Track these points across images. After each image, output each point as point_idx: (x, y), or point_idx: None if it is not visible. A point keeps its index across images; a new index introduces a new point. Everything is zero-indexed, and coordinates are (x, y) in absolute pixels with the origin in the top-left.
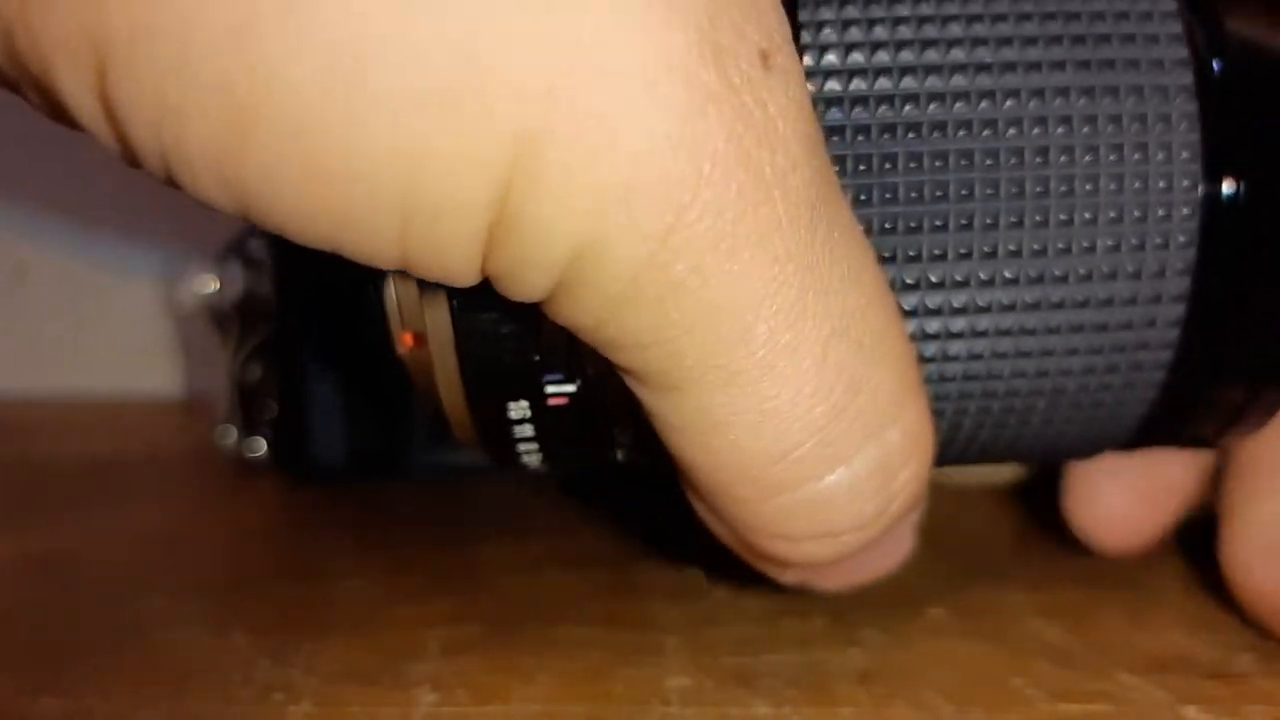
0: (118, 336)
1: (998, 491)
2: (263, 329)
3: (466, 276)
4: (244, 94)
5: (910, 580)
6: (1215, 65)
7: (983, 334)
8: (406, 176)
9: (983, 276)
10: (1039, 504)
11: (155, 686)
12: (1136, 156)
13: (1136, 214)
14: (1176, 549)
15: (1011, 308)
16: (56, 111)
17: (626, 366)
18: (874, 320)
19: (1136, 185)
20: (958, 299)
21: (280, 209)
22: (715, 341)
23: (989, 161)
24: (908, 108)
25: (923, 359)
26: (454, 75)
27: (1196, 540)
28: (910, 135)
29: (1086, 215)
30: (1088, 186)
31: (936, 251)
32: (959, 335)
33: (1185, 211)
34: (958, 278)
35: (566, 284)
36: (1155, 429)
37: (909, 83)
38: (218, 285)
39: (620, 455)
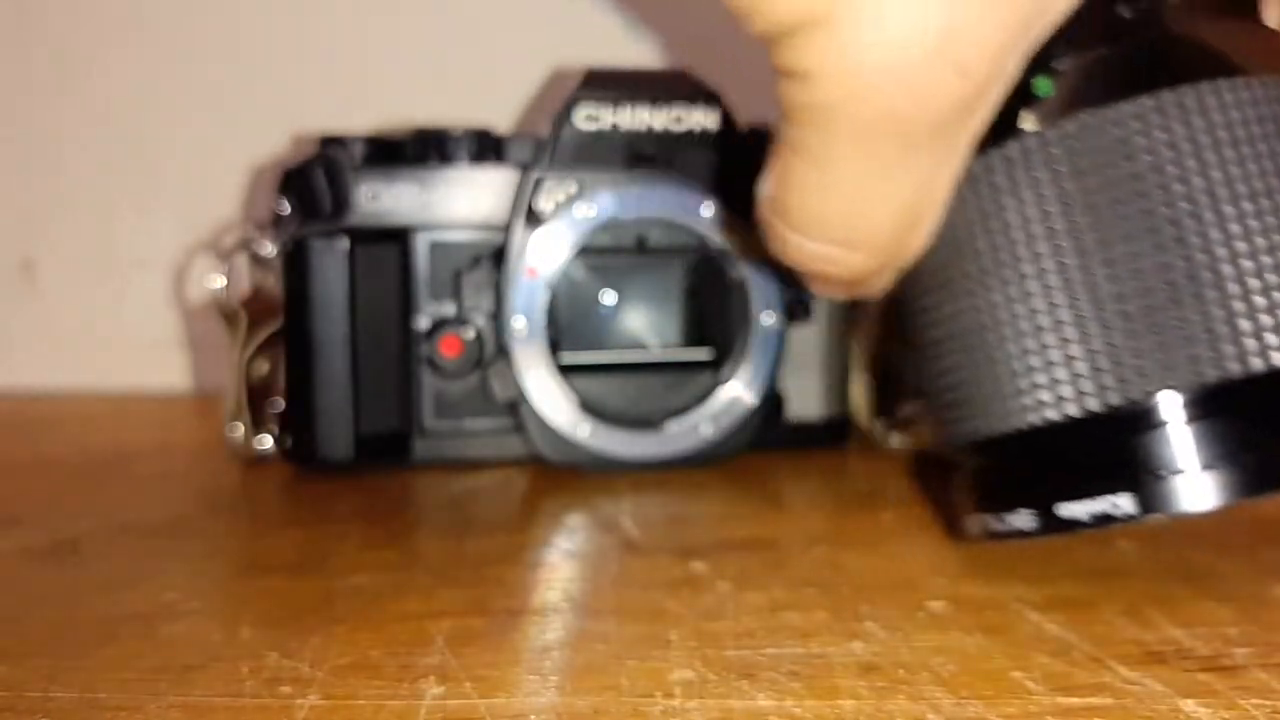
0: (126, 332)
1: None
2: (269, 325)
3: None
4: None
5: (911, 574)
6: None
7: None
8: None
9: None
10: None
11: (164, 679)
12: None
13: None
14: (1174, 544)
15: None
16: None
17: None
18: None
19: None
20: None
21: None
22: None
23: None
24: None
25: None
26: None
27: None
28: None
29: None
30: None
31: None
32: None
33: None
34: None
35: None
36: None
37: None
38: (225, 282)
39: None
